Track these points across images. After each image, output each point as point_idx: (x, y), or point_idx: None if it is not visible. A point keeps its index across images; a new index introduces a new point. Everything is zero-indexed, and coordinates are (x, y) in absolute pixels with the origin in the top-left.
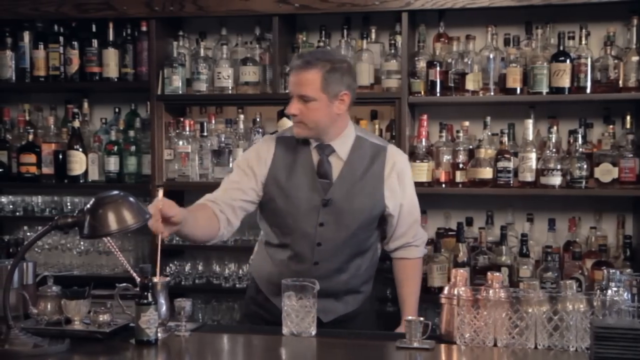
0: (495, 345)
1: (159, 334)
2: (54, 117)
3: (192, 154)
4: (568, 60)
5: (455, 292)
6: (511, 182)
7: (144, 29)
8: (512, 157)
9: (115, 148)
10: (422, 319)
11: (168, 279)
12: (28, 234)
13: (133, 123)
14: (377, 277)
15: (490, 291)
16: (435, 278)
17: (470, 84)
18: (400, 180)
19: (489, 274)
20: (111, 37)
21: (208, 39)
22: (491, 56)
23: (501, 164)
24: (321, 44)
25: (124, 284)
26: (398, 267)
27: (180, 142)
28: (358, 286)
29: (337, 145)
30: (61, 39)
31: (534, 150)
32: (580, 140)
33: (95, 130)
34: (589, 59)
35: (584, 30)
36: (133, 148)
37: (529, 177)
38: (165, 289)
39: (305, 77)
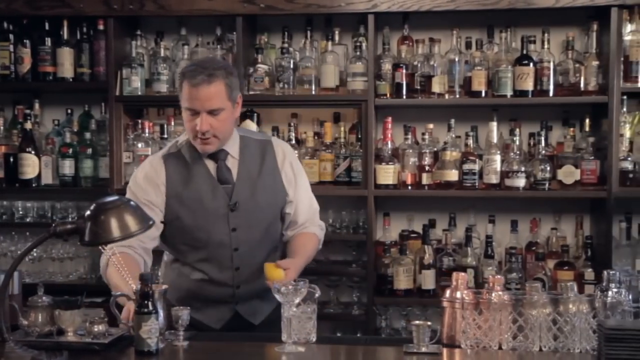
0: (500, 348)
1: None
2: (2, 118)
3: None
4: (531, 64)
5: (458, 296)
6: (476, 184)
7: (100, 27)
8: (477, 160)
9: (71, 151)
10: (429, 323)
11: (166, 286)
12: None
13: (87, 125)
14: (341, 282)
15: (493, 294)
16: (402, 281)
17: (436, 87)
18: (294, 169)
19: (454, 274)
20: (66, 36)
21: (166, 39)
22: (456, 59)
23: (467, 167)
24: (285, 45)
25: (120, 292)
26: (292, 238)
27: (139, 145)
28: None
29: (229, 148)
30: (11, 36)
31: (498, 152)
32: (542, 143)
33: (46, 133)
34: (552, 63)
35: (545, 35)
36: (89, 151)
37: (494, 179)
38: (162, 298)
39: (211, 90)
